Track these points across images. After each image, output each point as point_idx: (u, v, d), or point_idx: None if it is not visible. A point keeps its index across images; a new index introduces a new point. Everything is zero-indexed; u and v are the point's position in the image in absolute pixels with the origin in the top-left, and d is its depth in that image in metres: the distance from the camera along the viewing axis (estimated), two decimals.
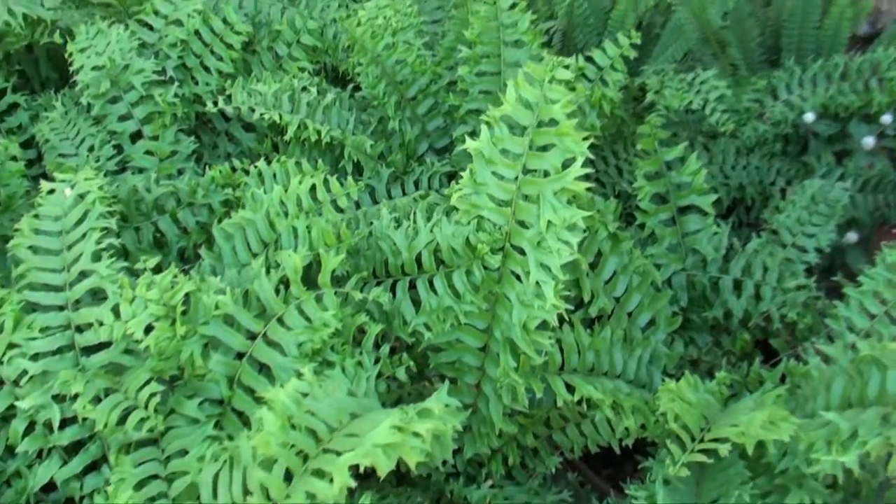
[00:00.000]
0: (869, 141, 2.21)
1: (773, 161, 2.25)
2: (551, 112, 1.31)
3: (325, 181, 1.55)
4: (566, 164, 1.31)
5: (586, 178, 1.34)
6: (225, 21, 2.13)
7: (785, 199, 2.03)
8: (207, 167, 1.94)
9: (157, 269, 1.43)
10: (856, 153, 2.24)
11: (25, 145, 2.17)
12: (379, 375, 1.41)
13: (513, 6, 1.93)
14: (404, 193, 1.94)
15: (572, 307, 1.59)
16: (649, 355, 1.63)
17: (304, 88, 1.99)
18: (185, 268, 1.72)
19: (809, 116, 2.21)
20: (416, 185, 1.96)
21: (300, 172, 1.65)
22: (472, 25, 1.92)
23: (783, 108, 2.22)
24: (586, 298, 1.58)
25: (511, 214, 1.36)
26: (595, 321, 1.62)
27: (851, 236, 2.14)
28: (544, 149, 1.32)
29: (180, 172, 2.02)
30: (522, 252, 1.35)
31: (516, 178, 1.34)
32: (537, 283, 1.32)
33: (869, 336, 1.59)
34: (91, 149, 2.00)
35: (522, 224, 1.35)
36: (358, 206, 1.91)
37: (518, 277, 1.37)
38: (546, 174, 1.32)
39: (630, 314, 1.66)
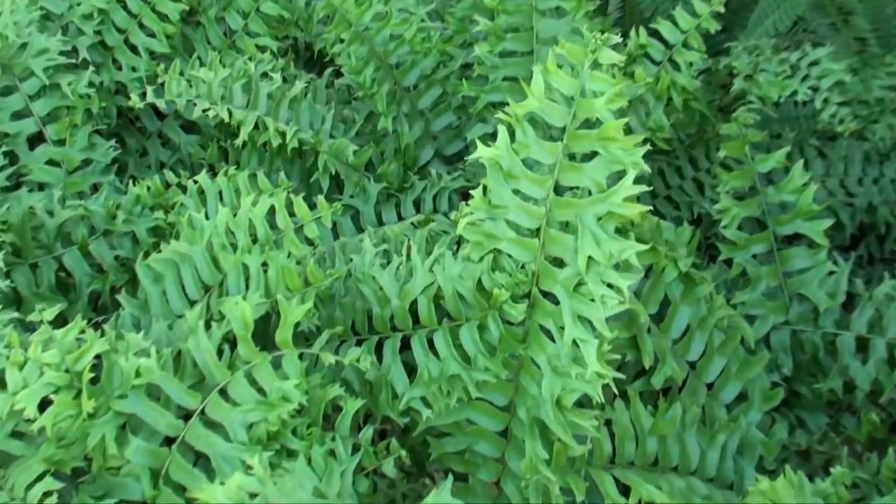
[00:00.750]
0: None
1: None
2: (593, 109, 1.34)
3: (289, 202, 1.58)
4: (615, 180, 1.34)
5: (646, 197, 1.37)
6: None
7: None
8: (133, 182, 1.98)
9: (61, 322, 1.47)
10: None
11: None
12: (360, 470, 1.43)
13: None
14: (400, 218, 1.98)
15: (626, 377, 1.61)
16: (737, 443, 1.64)
17: (264, 75, 2.03)
18: (97, 319, 1.76)
19: None
20: (417, 205, 1.99)
21: (255, 190, 1.69)
22: None
23: None
24: (647, 364, 1.60)
25: (539, 248, 1.39)
26: (661, 395, 1.64)
27: None
28: (584, 159, 1.36)
29: (95, 189, 2.06)
30: (555, 300, 1.37)
31: (546, 197, 1.37)
32: (575, 342, 1.34)
33: None
34: None
35: (555, 262, 1.38)
36: (336, 234, 1.95)
37: (550, 335, 1.39)
38: (588, 193, 1.35)
39: (710, 386, 1.68)
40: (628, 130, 1.92)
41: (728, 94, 2.15)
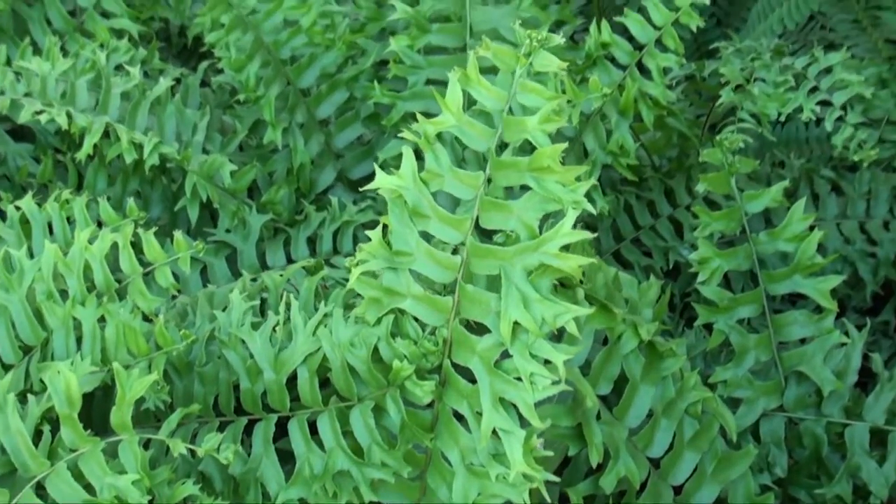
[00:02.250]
0: None
1: None
2: (524, 129, 1.35)
3: (137, 238, 1.58)
4: (553, 222, 1.35)
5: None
6: None
7: None
8: None
9: None
10: None
11: None
12: None
13: None
14: (289, 260, 1.98)
15: (563, 480, 1.62)
16: None
17: (118, 68, 2.03)
18: None
19: None
20: (312, 244, 2.00)
21: (95, 221, 1.69)
22: None
23: None
24: (595, 461, 1.61)
25: (453, 309, 1.39)
26: (613, 501, 1.65)
27: None
28: (512, 194, 1.37)
29: None
30: (472, 378, 1.38)
31: (463, 244, 1.38)
32: (496, 433, 1.35)
33: None
34: None
35: (472, 327, 1.39)
36: (206, 281, 1.94)
37: (465, 422, 1.40)
38: (517, 240, 1.36)
39: (679, 490, 1.69)
40: (583, 154, 1.95)
41: (715, 108, 2.16)
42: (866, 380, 1.89)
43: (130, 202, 1.72)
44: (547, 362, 1.33)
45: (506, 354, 1.35)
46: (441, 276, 1.40)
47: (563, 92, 1.39)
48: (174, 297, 1.70)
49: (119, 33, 2.22)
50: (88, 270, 1.58)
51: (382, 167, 1.64)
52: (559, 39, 1.38)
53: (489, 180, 1.37)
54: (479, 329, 1.39)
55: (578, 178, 1.34)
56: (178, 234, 1.58)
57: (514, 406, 1.35)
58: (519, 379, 1.34)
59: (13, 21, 2.26)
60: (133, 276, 1.57)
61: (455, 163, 1.39)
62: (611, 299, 1.67)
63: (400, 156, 1.41)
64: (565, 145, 1.33)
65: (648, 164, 2.16)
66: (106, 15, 2.25)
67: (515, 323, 1.33)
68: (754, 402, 1.83)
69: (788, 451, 1.84)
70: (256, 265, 1.98)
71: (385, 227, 1.41)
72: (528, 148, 1.35)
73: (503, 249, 1.36)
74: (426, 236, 1.40)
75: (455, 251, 1.39)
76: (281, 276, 1.70)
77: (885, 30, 2.43)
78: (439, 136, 1.39)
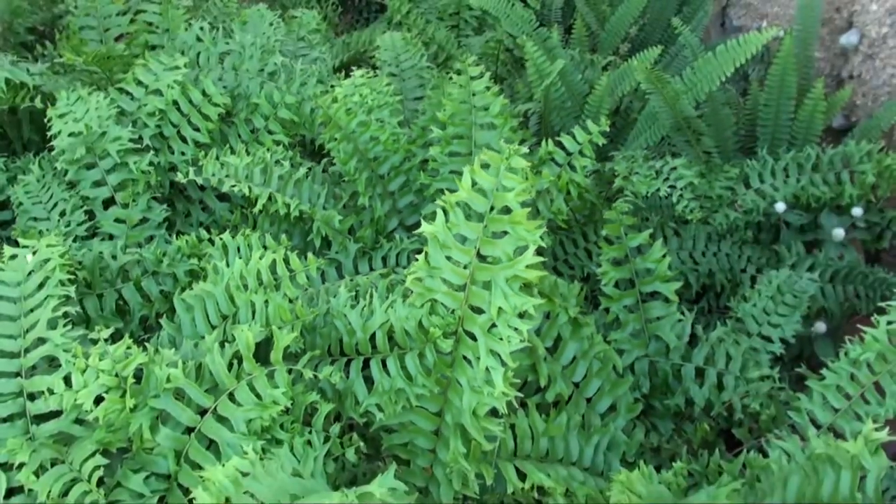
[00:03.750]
0: (839, 232, 2.24)
1: (743, 248, 2.28)
2: (505, 200, 1.34)
3: (286, 257, 1.57)
4: (523, 251, 1.33)
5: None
6: (203, 93, 2.18)
7: (753, 287, 2.07)
8: (177, 235, 1.96)
9: (117, 338, 1.45)
10: (826, 244, 2.28)
11: (1, 206, 2.20)
12: (330, 455, 1.41)
13: (486, 89, 1.99)
14: (371, 269, 1.97)
15: (524, 394, 1.60)
16: (608, 442, 1.63)
17: (277, 162, 2.02)
18: (145, 337, 1.73)
19: (780, 206, 2.25)
20: (384, 261, 1.98)
21: (262, 247, 1.68)
22: (445, 107, 1.97)
23: (755, 196, 2.26)
24: (543, 383, 1.59)
25: (464, 299, 1.38)
26: (552, 406, 1.63)
27: (820, 326, 2.16)
28: (498, 235, 1.35)
29: (151, 239, 2.04)
30: (474, 338, 1.36)
31: (470, 263, 1.36)
32: (487, 369, 1.33)
33: (832, 430, 1.61)
34: (62, 214, 2.03)
35: (475, 309, 1.37)
36: (324, 280, 1.93)
37: (470, 363, 1.38)
38: (501, 261, 1.35)
39: (589, 400, 1.68)
40: (536, 213, 1.93)
41: (611, 188, 2.14)
42: (693, 341, 1.87)
43: (283, 237, 1.70)
44: (516, 330, 1.32)
45: (493, 325, 1.34)
46: (457, 280, 1.38)
47: (527, 179, 1.35)
48: (306, 289, 1.68)
49: (278, 142, 2.19)
50: (259, 274, 1.56)
51: (425, 219, 1.63)
52: (524, 150, 1.36)
53: (486, 227, 1.35)
54: (479, 311, 1.37)
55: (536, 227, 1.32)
56: (311, 255, 1.56)
57: (499, 354, 1.33)
58: (501, 339, 1.32)
59: (220, 135, 2.25)
60: (283, 277, 1.55)
61: (466, 218, 1.37)
62: (553, 294, 1.65)
63: (435, 213, 1.39)
64: (528, 210, 1.31)
65: (572, 218, 2.13)
66: (270, 132, 2.23)
67: (499, 308, 1.32)
68: (631, 352, 1.81)
69: (650, 379, 1.82)
70: (352, 271, 1.97)
71: (427, 254, 1.39)
72: (507, 210, 1.34)
73: (493, 267, 1.34)
74: (450, 259, 1.38)
75: (465, 267, 1.37)
76: (367, 279, 1.67)
77: (703, 146, 2.41)
78: (458, 203, 1.37)
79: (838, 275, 2.21)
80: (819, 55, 2.71)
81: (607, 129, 1.92)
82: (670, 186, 2.00)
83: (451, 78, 2.04)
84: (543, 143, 1.97)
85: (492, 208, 1.35)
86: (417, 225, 2.11)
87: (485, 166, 1.37)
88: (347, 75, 3.00)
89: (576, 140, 1.95)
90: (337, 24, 3.58)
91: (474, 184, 1.36)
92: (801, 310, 1.93)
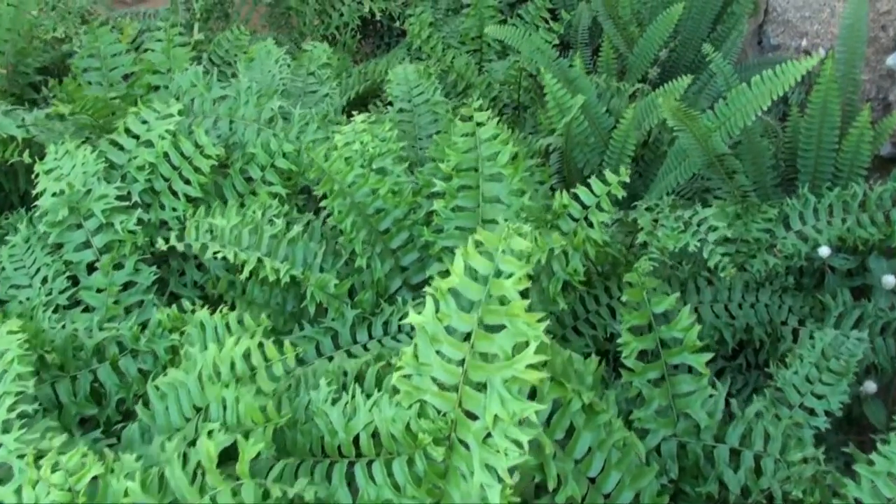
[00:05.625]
0: (889, 280, 2.01)
1: (784, 298, 2.05)
2: (502, 288, 1.14)
3: (261, 344, 1.38)
4: (524, 346, 1.14)
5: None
6: (196, 144, 2.01)
7: (796, 342, 1.85)
8: (171, 298, 1.80)
9: (93, 425, 1.28)
10: (876, 291, 2.04)
11: None
12: None
13: (494, 137, 1.79)
14: (371, 337, 1.77)
15: (535, 495, 1.40)
16: None
17: (270, 221, 1.84)
18: (121, 424, 1.56)
19: (825, 251, 2.02)
20: (386, 327, 1.79)
21: (241, 328, 1.49)
22: (449, 157, 1.77)
23: (796, 240, 2.03)
24: (551, 487, 1.38)
25: (457, 401, 1.18)
26: None
27: (870, 386, 1.93)
28: (495, 329, 1.15)
29: (141, 304, 1.87)
30: (468, 447, 1.17)
31: (463, 360, 1.17)
32: (482, 485, 1.13)
33: None
34: (44, 280, 1.87)
35: (469, 414, 1.18)
36: (320, 352, 1.74)
37: (464, 476, 1.18)
38: (496, 358, 1.15)
39: (608, 496, 1.46)
40: (551, 273, 1.73)
41: (636, 237, 1.92)
42: (728, 414, 1.65)
43: (262, 316, 1.52)
44: (514, 441, 1.12)
45: (489, 434, 1.14)
46: (449, 380, 1.18)
47: (528, 262, 1.15)
48: (289, 372, 1.49)
49: (274, 194, 2.01)
50: (233, 363, 1.38)
51: (430, 279, 1.45)
52: (527, 229, 1.17)
53: (480, 319, 1.16)
54: (473, 416, 1.17)
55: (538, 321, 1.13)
56: (288, 344, 1.37)
57: (495, 469, 1.13)
58: (498, 451, 1.12)
59: (214, 187, 2.08)
60: (259, 368, 1.36)
61: (459, 308, 1.18)
62: (565, 374, 1.45)
63: (442, 272, 1.22)
64: (529, 301, 1.12)
65: (594, 270, 1.92)
66: (267, 183, 2.05)
67: (495, 415, 1.12)
68: (657, 432, 1.60)
69: (679, 462, 1.60)
70: (350, 341, 1.77)
71: (415, 347, 1.20)
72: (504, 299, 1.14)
73: (489, 366, 1.15)
74: (440, 354, 1.19)
75: (460, 363, 1.18)
76: (356, 363, 1.47)
77: (737, 184, 2.18)
78: (450, 289, 1.18)
79: (889, 327, 1.98)
80: (864, 76, 2.47)
81: (627, 180, 1.71)
82: (700, 240, 1.78)
83: (456, 121, 1.84)
84: (560, 194, 1.76)
85: (489, 295, 1.16)
86: (423, 284, 1.92)
87: (480, 247, 1.17)
88: (365, 107, 2.84)
89: (593, 192, 1.74)
90: (356, 52, 3.40)
91: (468, 268, 1.17)
92: (848, 377, 1.70)
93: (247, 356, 1.38)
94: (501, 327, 1.15)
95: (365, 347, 1.74)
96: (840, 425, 1.88)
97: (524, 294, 1.15)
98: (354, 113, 2.03)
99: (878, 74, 2.45)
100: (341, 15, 3.31)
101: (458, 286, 1.17)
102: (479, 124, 1.81)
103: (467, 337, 1.18)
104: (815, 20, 2.62)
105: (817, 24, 2.62)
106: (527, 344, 1.13)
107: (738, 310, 2.01)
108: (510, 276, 1.15)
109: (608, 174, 1.73)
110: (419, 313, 1.20)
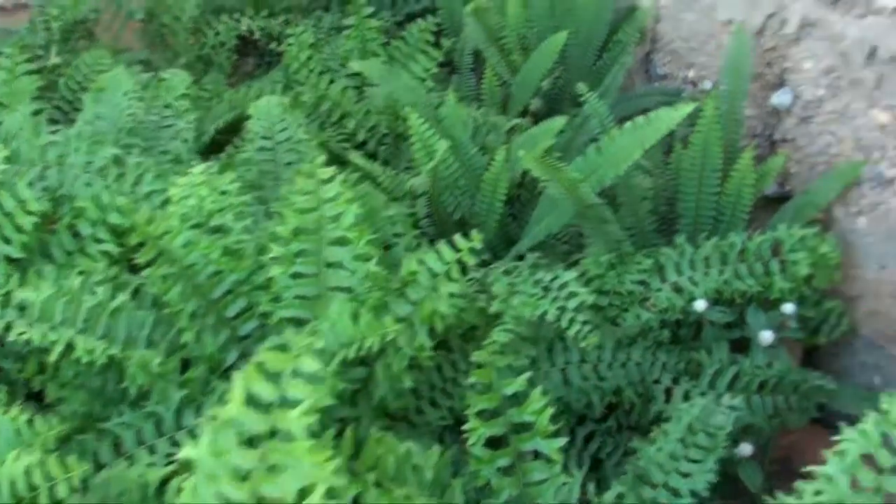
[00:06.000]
0: (767, 336, 1.92)
1: (658, 353, 1.94)
2: (287, 421, 0.98)
3: (42, 460, 1.20)
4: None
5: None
6: (17, 198, 1.80)
7: (668, 402, 1.75)
8: None
9: None
10: (753, 348, 1.95)
11: None
12: None
13: (338, 195, 1.63)
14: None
15: None
16: None
17: (90, 290, 1.64)
18: None
19: (701, 304, 1.92)
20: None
21: (32, 432, 1.31)
22: (287, 219, 1.61)
23: (671, 293, 1.93)
24: None
25: None
26: None
27: (745, 448, 1.83)
28: (280, 469, 1.00)
29: None
30: None
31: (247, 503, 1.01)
32: None
33: None
34: None
35: None
36: (141, 441, 1.56)
37: None
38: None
39: None
40: (396, 350, 1.58)
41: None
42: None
43: (54, 420, 1.34)
44: None
45: None
46: None
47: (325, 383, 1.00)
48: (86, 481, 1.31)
49: (105, 252, 1.81)
50: (14, 484, 1.20)
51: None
52: (318, 344, 1.02)
53: (262, 457, 1.00)
54: None
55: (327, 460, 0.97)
56: (73, 461, 1.19)
57: None
58: None
59: (41, 246, 1.87)
60: (41, 489, 1.19)
61: (241, 442, 1.02)
62: (398, 476, 1.31)
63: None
64: (313, 442, 0.96)
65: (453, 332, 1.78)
66: (98, 240, 1.84)
67: None
68: None
69: None
70: (175, 427, 1.59)
71: (193, 487, 1.04)
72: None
73: None
74: (220, 495, 1.02)
75: None
76: (158, 471, 1.30)
77: (609, 231, 2.06)
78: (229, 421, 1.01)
79: (766, 385, 1.89)
80: (750, 112, 2.37)
81: (479, 246, 1.57)
82: (559, 308, 1.64)
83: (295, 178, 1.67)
84: (405, 260, 1.61)
85: (273, 431, 1.00)
86: None
87: (263, 370, 1.02)
88: (236, 134, 2.65)
89: (441, 259, 1.59)
90: (232, 73, 3.19)
91: (250, 396, 1.01)
92: (716, 452, 1.59)
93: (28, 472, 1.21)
94: (287, 468, 1.00)
95: (192, 434, 1.57)
96: (716, 488, 1.78)
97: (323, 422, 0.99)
98: (209, 159, 1.84)
99: (764, 111, 2.36)
100: (217, 34, 3.10)
101: (237, 417, 1.01)
102: (322, 182, 1.65)
103: (250, 476, 1.02)
104: (702, 52, 2.51)
105: (703, 56, 2.51)
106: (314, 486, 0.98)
107: (608, 370, 1.88)
108: (297, 403, 0.99)
109: (458, 239, 1.58)
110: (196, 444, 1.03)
